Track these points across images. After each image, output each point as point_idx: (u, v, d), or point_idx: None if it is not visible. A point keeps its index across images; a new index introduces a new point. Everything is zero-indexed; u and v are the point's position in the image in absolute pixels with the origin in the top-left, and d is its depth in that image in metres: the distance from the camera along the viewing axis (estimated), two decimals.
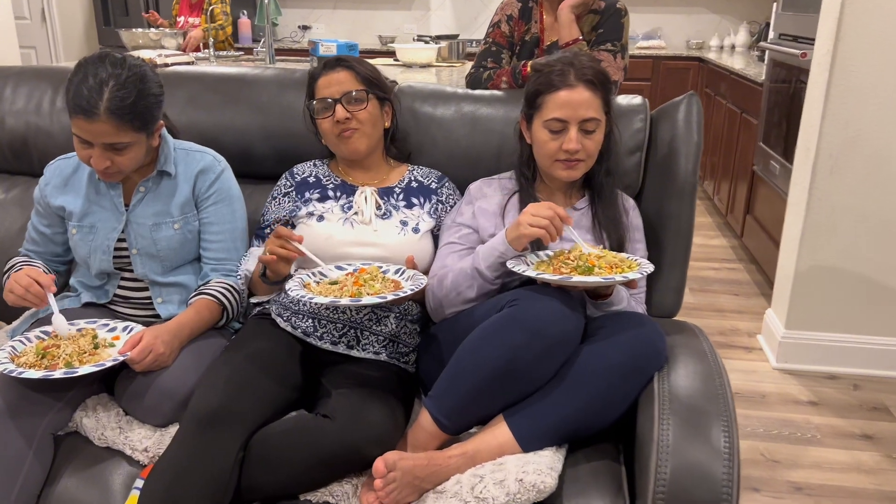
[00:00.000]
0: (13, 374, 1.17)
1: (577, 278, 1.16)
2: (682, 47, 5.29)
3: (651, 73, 4.95)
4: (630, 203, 1.48)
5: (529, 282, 1.28)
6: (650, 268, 1.23)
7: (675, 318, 1.53)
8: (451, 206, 1.54)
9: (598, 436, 1.23)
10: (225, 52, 4.13)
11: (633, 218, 1.46)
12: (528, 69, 1.86)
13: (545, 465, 1.13)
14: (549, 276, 1.18)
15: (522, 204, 1.40)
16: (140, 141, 1.34)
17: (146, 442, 1.24)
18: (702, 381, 1.17)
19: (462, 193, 1.55)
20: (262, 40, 3.91)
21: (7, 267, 1.48)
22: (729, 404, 1.12)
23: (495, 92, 1.72)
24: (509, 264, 1.26)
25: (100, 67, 1.27)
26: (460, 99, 1.68)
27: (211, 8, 4.09)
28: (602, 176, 1.42)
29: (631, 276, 1.19)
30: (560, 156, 1.34)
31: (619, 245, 1.40)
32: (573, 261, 1.22)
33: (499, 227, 1.39)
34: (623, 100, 1.62)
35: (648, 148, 1.58)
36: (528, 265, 1.26)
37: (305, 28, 5.90)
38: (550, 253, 1.32)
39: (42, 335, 1.31)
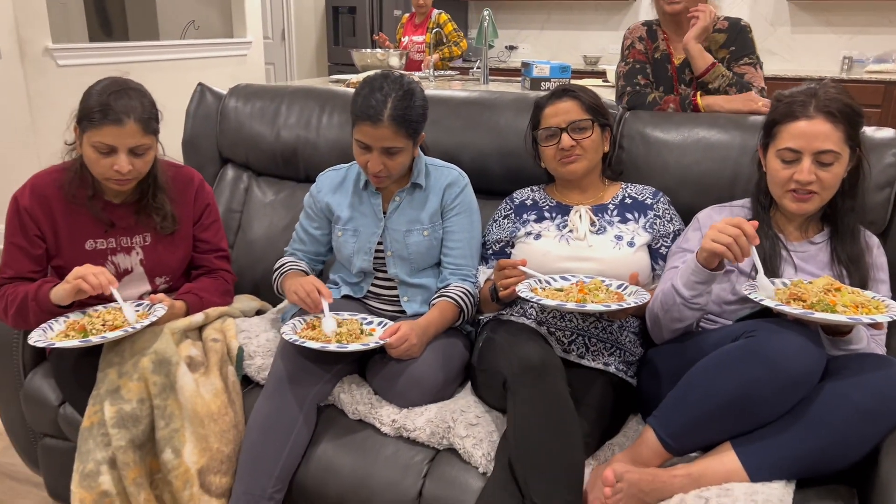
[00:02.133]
0: (297, 343, 1.40)
1: (820, 315, 1.16)
2: None
3: (882, 100, 4.55)
4: (874, 241, 1.43)
5: (764, 313, 1.28)
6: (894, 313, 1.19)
7: None
8: (668, 220, 1.58)
9: (832, 476, 1.21)
10: (442, 72, 4.42)
11: (878, 256, 1.40)
12: (698, 99, 1.89)
13: (776, 497, 1.13)
14: (789, 309, 1.19)
15: (760, 233, 1.40)
16: (408, 148, 1.53)
17: (393, 416, 1.41)
18: None
19: (686, 215, 1.58)
20: (478, 61, 4.14)
21: (278, 265, 1.74)
22: None
23: (732, 117, 1.72)
24: (745, 291, 1.27)
25: (384, 83, 1.48)
26: (693, 124, 1.71)
27: (437, 29, 4.39)
28: (844, 211, 1.39)
29: (879, 318, 1.16)
30: (790, 185, 1.33)
31: (861, 284, 1.36)
32: (815, 294, 1.21)
33: (751, 269, 1.40)
34: (873, 132, 1.56)
35: None
36: (765, 293, 1.26)
37: (512, 48, 6.12)
38: (788, 282, 1.31)
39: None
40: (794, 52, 5.22)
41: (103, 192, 1.59)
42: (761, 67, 2.01)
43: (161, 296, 1.55)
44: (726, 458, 1.20)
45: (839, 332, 1.28)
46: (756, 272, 1.29)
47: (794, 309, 1.19)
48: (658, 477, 1.20)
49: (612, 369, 1.43)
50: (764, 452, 1.18)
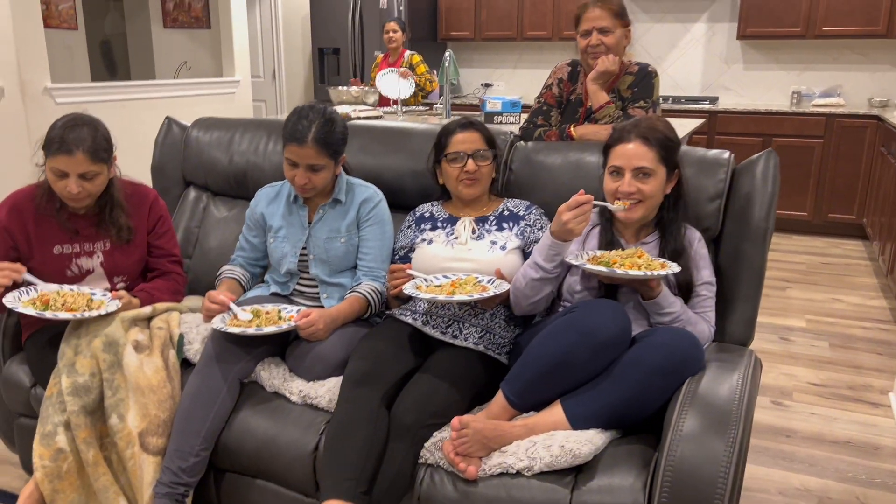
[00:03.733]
0: (222, 329, 1.70)
1: (593, 267, 1.52)
2: (863, 105, 5.12)
3: (824, 131, 4.86)
4: (695, 235, 1.72)
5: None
6: (675, 269, 1.53)
7: (746, 347, 1.72)
8: (539, 228, 1.87)
9: (645, 428, 1.49)
10: (410, 108, 4.78)
11: (699, 248, 1.70)
12: (572, 130, 2.22)
13: (584, 439, 1.41)
14: (587, 266, 1.54)
15: (601, 235, 1.71)
16: (330, 166, 1.87)
17: (301, 388, 1.70)
18: (727, 391, 1.39)
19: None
20: (442, 96, 4.49)
21: (219, 272, 2.05)
22: (742, 413, 1.34)
23: (598, 144, 2.03)
24: (567, 258, 1.60)
25: (310, 112, 1.84)
26: (567, 149, 2.02)
27: (407, 68, 4.76)
28: (670, 220, 1.69)
29: (650, 274, 1.50)
30: (617, 195, 1.63)
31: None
32: (614, 258, 1.55)
33: (580, 248, 1.71)
34: (711, 153, 1.86)
35: (728, 196, 1.81)
36: (579, 259, 1.60)
37: (487, 85, 6.49)
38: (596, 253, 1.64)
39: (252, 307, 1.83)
40: (747, 87, 5.56)
41: (68, 205, 1.91)
42: (654, 110, 2.30)
43: (122, 293, 1.86)
44: (554, 412, 1.48)
45: (647, 295, 1.58)
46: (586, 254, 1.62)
47: (594, 267, 1.52)
48: (500, 426, 1.48)
49: (480, 348, 1.71)
50: (582, 405, 1.46)
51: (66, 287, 1.83)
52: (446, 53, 4.25)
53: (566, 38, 5.90)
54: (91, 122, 1.86)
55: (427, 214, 1.98)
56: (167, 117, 2.57)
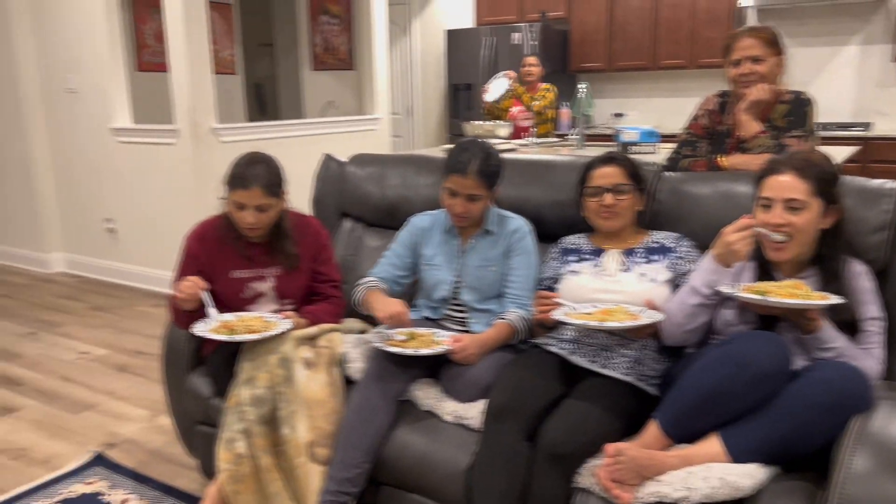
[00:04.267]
0: (382, 349, 1.82)
1: (748, 296, 1.49)
2: None
3: None
4: (860, 268, 1.65)
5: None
6: (836, 300, 1.47)
7: None
8: (690, 261, 1.86)
9: (807, 465, 1.44)
10: (544, 140, 4.85)
11: (864, 282, 1.63)
12: (721, 161, 2.15)
13: (745, 472, 1.39)
14: (740, 294, 1.52)
15: (756, 270, 1.68)
16: (486, 197, 1.99)
17: (454, 408, 1.79)
18: None
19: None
20: (576, 128, 4.54)
21: (363, 281, 2.14)
22: None
23: (749, 173, 2.00)
24: (720, 287, 1.58)
25: (471, 145, 1.98)
26: (716, 179, 2.01)
27: (534, 103, 4.86)
28: (829, 257, 1.63)
29: (808, 303, 1.45)
30: (769, 228, 1.60)
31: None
32: (770, 287, 1.52)
33: (734, 281, 1.69)
34: (873, 183, 1.79)
35: (894, 228, 1.73)
36: (734, 290, 1.58)
37: (619, 115, 6.46)
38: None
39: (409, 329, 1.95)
40: None
41: (246, 235, 2.12)
42: (809, 140, 2.24)
43: (291, 314, 2.04)
44: (711, 443, 1.47)
45: (807, 329, 1.54)
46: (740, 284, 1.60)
47: (748, 295, 1.51)
48: (654, 455, 1.49)
49: (629, 379, 1.72)
50: (742, 438, 1.44)
51: (236, 313, 2.03)
52: (581, 85, 4.31)
53: (703, 66, 5.79)
54: (266, 159, 2.07)
55: (572, 246, 2.03)
56: (325, 154, 2.79)
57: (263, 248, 2.13)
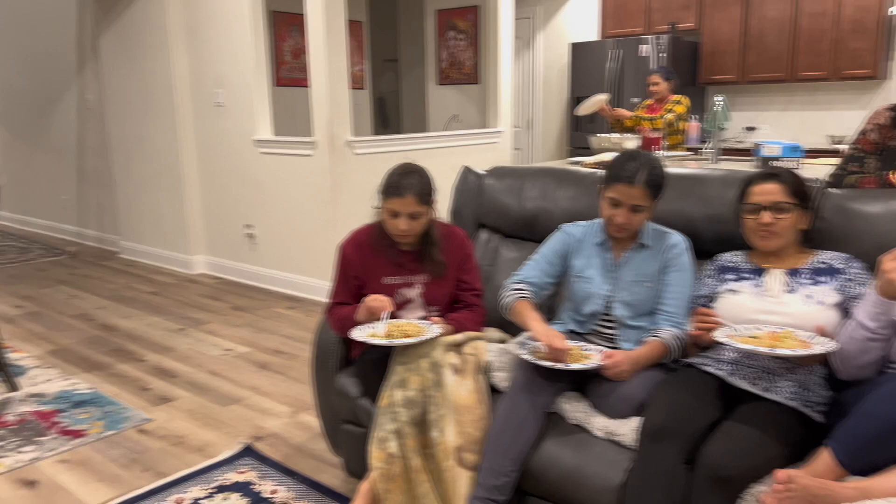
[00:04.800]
0: (532, 361, 1.84)
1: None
2: None
3: None
4: None
5: None
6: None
7: None
8: (860, 283, 1.76)
9: None
10: (674, 153, 4.73)
11: None
12: (894, 178, 2.00)
13: None
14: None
15: None
16: (649, 209, 1.98)
17: (605, 424, 1.78)
18: None
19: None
20: (709, 141, 4.39)
21: (514, 288, 2.11)
22: None
23: None
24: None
25: (638, 155, 1.97)
26: (888, 197, 1.89)
27: (666, 116, 4.75)
28: None
29: None
30: None
31: None
32: None
33: None
34: None
35: None
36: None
37: (751, 129, 6.20)
38: None
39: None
40: None
41: (397, 242, 2.20)
42: None
43: (438, 319, 2.10)
44: (894, 477, 1.38)
45: None
46: None
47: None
48: (828, 485, 1.42)
49: (794, 404, 1.65)
50: None
51: (387, 320, 2.10)
52: (717, 98, 4.18)
53: (846, 77, 5.46)
54: (419, 170, 2.14)
55: (730, 264, 1.97)
56: (464, 167, 2.85)
57: (413, 256, 2.21)
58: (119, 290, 5.15)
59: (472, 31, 6.29)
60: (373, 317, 2.06)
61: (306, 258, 4.81)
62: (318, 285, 4.76)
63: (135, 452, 2.71)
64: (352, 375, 2.28)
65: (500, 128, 5.76)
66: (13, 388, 3.29)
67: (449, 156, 5.25)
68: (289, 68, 6.08)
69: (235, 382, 3.40)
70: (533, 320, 1.99)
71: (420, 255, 2.21)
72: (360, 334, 2.01)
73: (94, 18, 5.96)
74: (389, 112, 7.79)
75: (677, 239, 2.03)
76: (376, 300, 2.05)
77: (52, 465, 2.62)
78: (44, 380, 3.44)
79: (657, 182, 1.94)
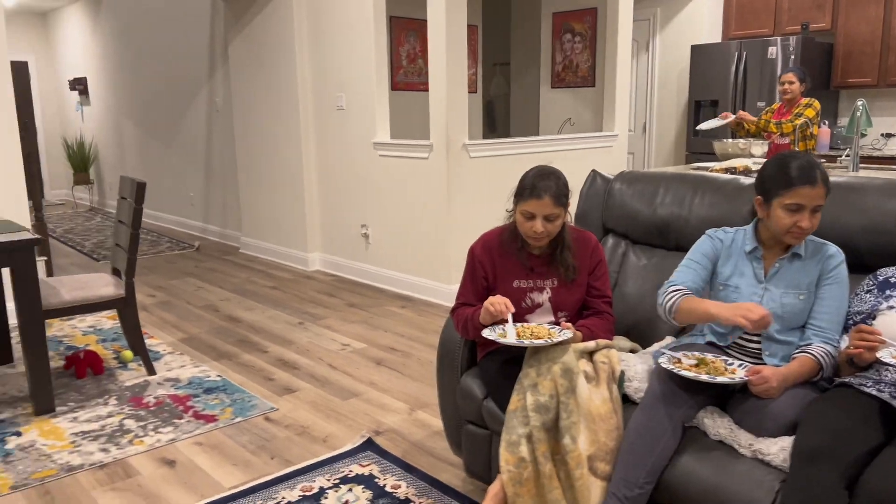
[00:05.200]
0: (673, 371, 1.78)
1: None
2: None
3: None
4: None
5: None
6: None
7: None
8: None
9: None
10: None
11: None
12: None
13: None
14: None
15: None
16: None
17: (751, 442, 1.69)
18: None
19: None
20: (848, 148, 4.12)
21: (676, 288, 2.01)
22: None
23: None
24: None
25: (806, 156, 1.86)
26: None
27: (794, 121, 4.49)
28: None
29: None
30: None
31: None
32: None
33: None
34: None
35: None
36: None
37: (889, 136, 5.77)
38: None
39: (698, 354, 1.88)
40: None
41: (528, 245, 2.19)
42: None
43: (569, 325, 2.07)
44: None
45: None
46: None
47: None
48: None
49: None
50: None
51: (514, 323, 2.09)
52: (858, 102, 3.91)
53: None
54: (555, 172, 2.12)
55: (894, 279, 1.83)
56: (593, 170, 2.81)
57: (544, 260, 2.19)
58: (241, 283, 5.41)
59: (589, 34, 6.20)
60: (493, 319, 2.05)
61: (419, 259, 4.89)
62: (430, 286, 4.82)
63: (262, 439, 2.83)
64: (476, 377, 2.29)
65: (615, 131, 5.64)
66: (151, 371, 3.52)
67: (563, 160, 5.19)
68: (404, 73, 6.20)
69: (354, 377, 3.49)
70: (712, 306, 1.86)
71: (551, 258, 2.18)
72: (490, 333, 2.02)
73: (226, 24, 6.31)
74: (498, 116, 7.80)
75: (835, 250, 1.91)
76: (494, 303, 2.03)
77: (189, 447, 2.78)
78: (178, 366, 3.66)
79: (829, 180, 1.86)
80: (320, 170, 5.64)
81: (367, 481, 2.48)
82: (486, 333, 2.02)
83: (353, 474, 2.53)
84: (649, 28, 6.84)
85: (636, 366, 2.04)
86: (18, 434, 2.88)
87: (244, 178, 6.33)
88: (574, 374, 1.91)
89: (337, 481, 2.48)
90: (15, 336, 4.08)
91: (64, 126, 10.44)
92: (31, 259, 2.94)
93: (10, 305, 4.22)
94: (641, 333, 2.40)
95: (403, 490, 2.42)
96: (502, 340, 1.97)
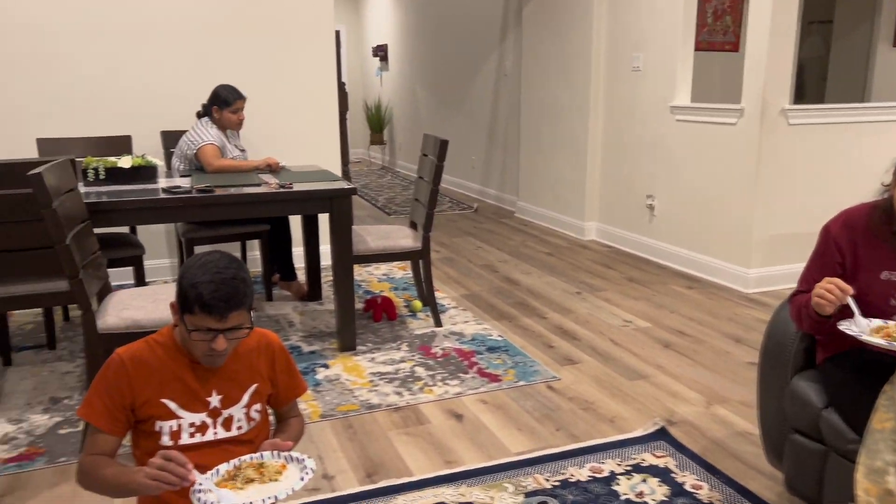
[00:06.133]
0: None
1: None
2: None
3: None
4: None
5: None
6: None
7: None
8: None
9: None
10: None
11: None
12: None
13: None
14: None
15: None
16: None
17: None
18: None
19: None
20: None
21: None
22: None
23: None
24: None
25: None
26: None
27: None
28: None
29: None
30: None
31: None
32: None
33: None
34: None
35: None
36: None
37: None
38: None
39: None
40: None
41: None
42: None
43: None
44: None
45: None
46: None
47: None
48: None
49: None
50: None
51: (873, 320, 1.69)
52: None
53: None
54: None
55: None
56: None
57: None
58: (517, 246, 5.42)
59: None
60: (830, 307, 1.67)
61: (713, 237, 4.43)
62: (723, 268, 4.35)
63: (546, 408, 2.74)
64: (815, 380, 1.92)
65: None
66: (438, 323, 3.63)
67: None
68: (708, 31, 5.64)
69: (639, 357, 3.25)
70: None
71: None
72: (847, 326, 1.65)
73: None
74: (807, 80, 6.81)
75: None
76: (824, 285, 1.66)
77: (474, 403, 2.78)
78: (462, 321, 3.73)
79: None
80: (606, 135, 5.38)
81: (662, 474, 2.25)
82: (843, 327, 1.65)
83: (646, 464, 2.31)
84: None
85: None
86: (326, 367, 3.13)
87: (525, 143, 6.31)
88: None
89: (629, 468, 2.29)
90: (323, 277, 4.51)
91: (365, 90, 11.43)
92: (348, 207, 3.15)
93: (321, 249, 4.67)
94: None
95: (706, 493, 2.15)
96: (869, 340, 1.60)
